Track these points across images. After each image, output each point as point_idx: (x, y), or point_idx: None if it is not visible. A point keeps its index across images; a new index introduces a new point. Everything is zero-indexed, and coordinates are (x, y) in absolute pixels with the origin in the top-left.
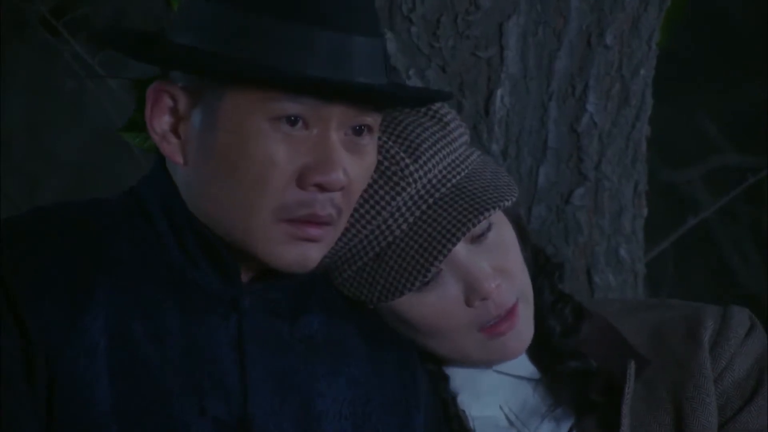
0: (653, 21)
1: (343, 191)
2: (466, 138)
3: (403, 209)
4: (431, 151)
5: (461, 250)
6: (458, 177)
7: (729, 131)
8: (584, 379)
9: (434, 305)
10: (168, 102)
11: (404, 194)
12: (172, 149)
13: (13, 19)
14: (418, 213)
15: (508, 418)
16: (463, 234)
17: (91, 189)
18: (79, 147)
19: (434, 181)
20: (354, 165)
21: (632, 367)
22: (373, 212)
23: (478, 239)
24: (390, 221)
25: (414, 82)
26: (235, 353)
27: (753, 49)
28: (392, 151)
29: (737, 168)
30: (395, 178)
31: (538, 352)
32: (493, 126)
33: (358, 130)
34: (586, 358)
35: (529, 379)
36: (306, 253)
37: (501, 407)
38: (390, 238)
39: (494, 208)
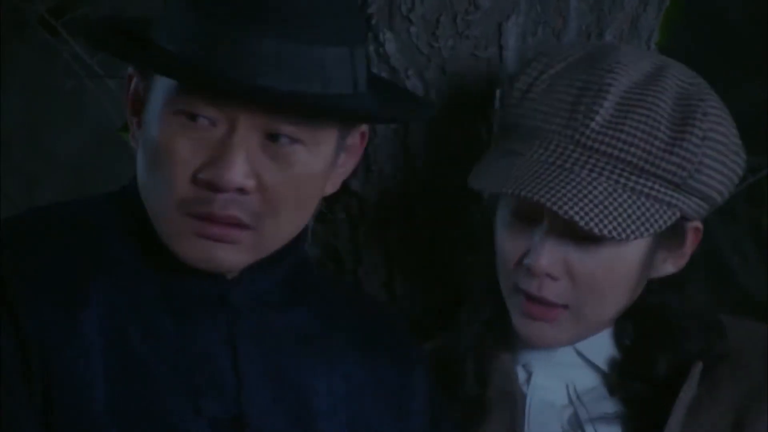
0: (652, 21)
1: (262, 196)
2: (677, 178)
3: (551, 149)
4: (627, 144)
5: (558, 223)
6: (612, 187)
7: None
8: (654, 391)
9: (506, 238)
10: (132, 89)
11: (563, 142)
12: (132, 135)
13: (12, 19)
14: (557, 161)
15: (569, 398)
16: (539, 201)
17: (91, 189)
18: (78, 147)
19: (593, 165)
20: (274, 171)
21: (698, 367)
22: (545, 116)
23: (583, 237)
24: (544, 145)
25: (413, 82)
26: (228, 351)
27: (753, 49)
28: (602, 100)
29: None
30: (576, 122)
31: (622, 357)
32: (492, 126)
33: (274, 137)
34: (651, 383)
35: (600, 370)
36: (212, 253)
37: (567, 385)
38: (520, 154)
39: (592, 228)
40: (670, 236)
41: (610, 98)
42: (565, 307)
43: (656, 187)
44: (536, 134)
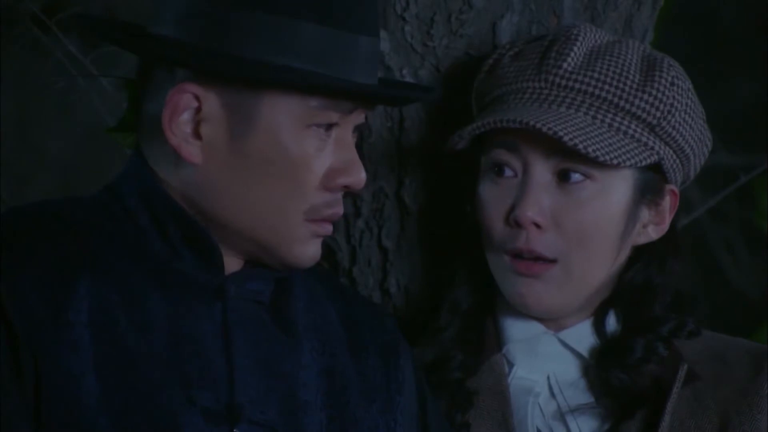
0: (646, 20)
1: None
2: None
3: (525, 97)
4: (600, 81)
5: (539, 170)
6: (588, 117)
7: (721, 131)
8: (632, 380)
9: (490, 198)
10: (192, 103)
11: (537, 87)
12: (191, 150)
13: (3, 17)
14: (534, 103)
15: (551, 389)
16: (522, 123)
17: (81, 187)
18: (69, 145)
19: (568, 100)
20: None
21: (683, 370)
22: (515, 75)
23: (564, 180)
24: (518, 97)
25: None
26: (221, 341)
27: (744, 48)
28: (570, 47)
29: (729, 167)
30: (548, 66)
31: (602, 345)
32: None
33: (358, 128)
34: (638, 378)
35: (582, 358)
36: (318, 249)
37: (549, 377)
38: (498, 98)
39: (576, 144)
40: (650, 189)
41: (578, 45)
42: (554, 261)
43: (633, 126)
44: (510, 92)
